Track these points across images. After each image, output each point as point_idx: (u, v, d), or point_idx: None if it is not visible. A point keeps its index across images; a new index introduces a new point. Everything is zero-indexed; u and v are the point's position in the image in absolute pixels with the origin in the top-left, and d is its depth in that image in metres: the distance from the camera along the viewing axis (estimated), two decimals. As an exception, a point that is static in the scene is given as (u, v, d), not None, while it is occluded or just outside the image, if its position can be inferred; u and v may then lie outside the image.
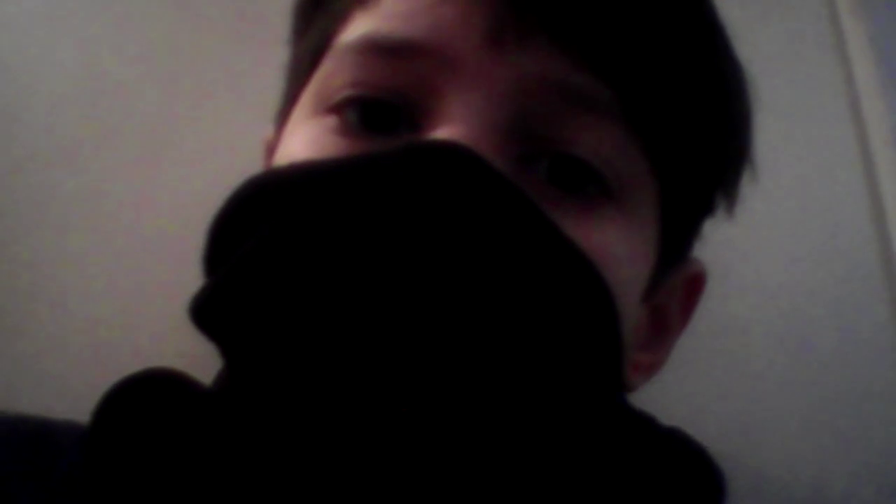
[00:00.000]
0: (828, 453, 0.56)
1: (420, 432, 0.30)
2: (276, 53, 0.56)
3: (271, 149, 0.44)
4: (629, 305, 0.36)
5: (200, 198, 0.57)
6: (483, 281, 0.29)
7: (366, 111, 0.35)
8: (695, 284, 0.44)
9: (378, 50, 0.35)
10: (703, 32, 0.38)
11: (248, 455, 0.32)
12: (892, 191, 0.65)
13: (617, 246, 0.35)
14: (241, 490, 0.32)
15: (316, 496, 0.31)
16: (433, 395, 0.30)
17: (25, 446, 0.37)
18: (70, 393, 0.52)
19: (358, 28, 0.36)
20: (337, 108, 0.36)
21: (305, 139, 0.37)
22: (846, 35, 0.72)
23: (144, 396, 0.35)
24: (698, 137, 0.38)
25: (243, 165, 0.58)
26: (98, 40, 0.66)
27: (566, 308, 0.31)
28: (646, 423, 0.38)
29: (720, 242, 0.55)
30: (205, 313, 0.33)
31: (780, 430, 0.57)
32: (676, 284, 0.43)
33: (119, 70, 0.65)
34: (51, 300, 0.58)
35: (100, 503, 0.33)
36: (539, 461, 0.32)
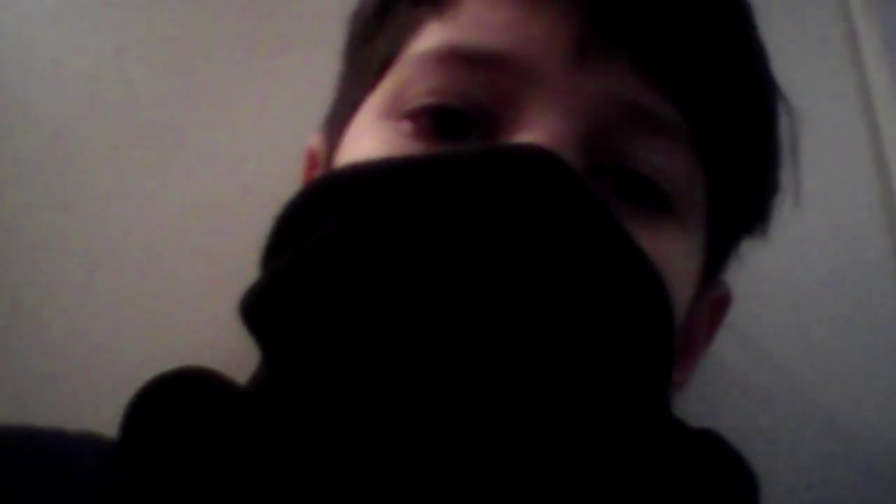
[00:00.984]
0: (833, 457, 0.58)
1: (487, 441, 0.30)
2: (290, 60, 0.56)
3: (315, 158, 0.44)
4: (679, 316, 0.37)
5: (212, 203, 0.58)
6: (562, 286, 0.30)
7: (441, 118, 0.36)
8: (721, 305, 0.46)
9: (461, 59, 0.36)
10: (757, 63, 0.41)
11: (287, 456, 0.32)
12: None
13: (676, 259, 0.36)
14: (277, 491, 0.32)
15: (354, 498, 0.31)
16: (507, 404, 0.30)
17: (40, 458, 0.36)
18: (76, 396, 0.53)
19: (434, 37, 0.37)
20: (412, 115, 0.36)
21: (378, 140, 0.37)
22: (859, 36, 0.72)
23: (178, 395, 0.34)
24: (749, 164, 0.40)
25: (256, 171, 0.59)
26: (108, 44, 0.65)
27: (637, 316, 0.32)
28: (683, 427, 0.39)
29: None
30: (259, 306, 0.32)
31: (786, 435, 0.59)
32: (705, 304, 0.44)
33: (131, 74, 0.65)
34: (60, 306, 0.57)
35: None
36: (595, 462, 0.32)
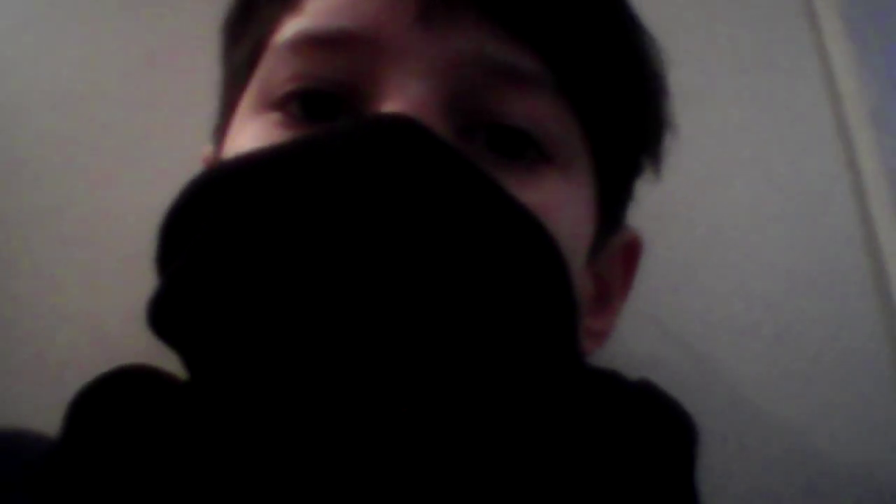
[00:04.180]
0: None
1: (411, 423, 0.30)
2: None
3: (211, 165, 0.44)
4: (576, 262, 0.37)
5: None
6: (442, 253, 0.30)
7: (308, 103, 0.36)
8: (632, 250, 0.46)
9: (313, 43, 0.36)
10: (616, 4, 0.41)
11: (228, 449, 0.32)
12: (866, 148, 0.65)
13: (559, 204, 0.36)
14: (223, 487, 0.32)
15: (306, 493, 0.31)
16: (417, 383, 0.30)
17: None
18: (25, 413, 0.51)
19: (290, 28, 0.38)
20: (280, 104, 0.37)
21: (251, 135, 0.37)
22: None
23: (118, 392, 0.35)
24: (623, 102, 0.40)
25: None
26: (62, 54, 0.66)
27: (522, 267, 0.32)
28: (610, 378, 0.38)
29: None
30: (161, 317, 0.33)
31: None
32: (615, 251, 0.44)
33: (86, 83, 0.65)
34: (18, 314, 0.58)
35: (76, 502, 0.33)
36: (518, 434, 0.32)
